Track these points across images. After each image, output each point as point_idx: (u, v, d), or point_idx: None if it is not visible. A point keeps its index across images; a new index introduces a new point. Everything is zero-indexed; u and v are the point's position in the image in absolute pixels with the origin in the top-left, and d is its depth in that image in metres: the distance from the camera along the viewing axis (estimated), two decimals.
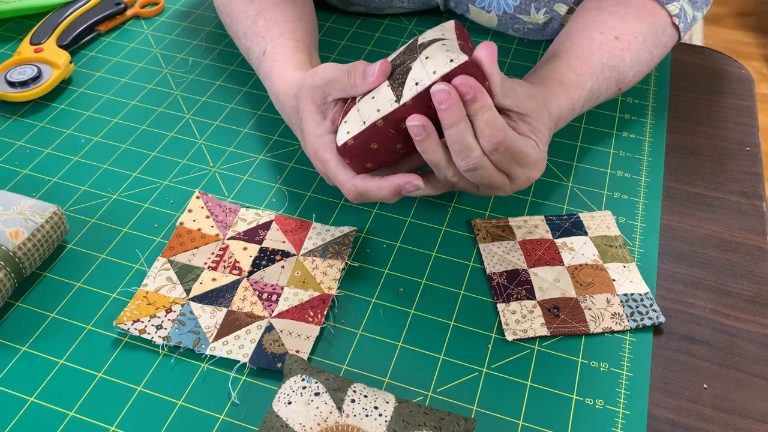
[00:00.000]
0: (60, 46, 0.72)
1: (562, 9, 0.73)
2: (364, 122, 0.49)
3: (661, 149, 0.66)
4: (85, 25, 0.75)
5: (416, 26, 0.80)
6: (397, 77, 0.49)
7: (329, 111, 0.53)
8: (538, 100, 0.53)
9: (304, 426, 0.41)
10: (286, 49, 0.61)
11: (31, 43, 0.72)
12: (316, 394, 0.43)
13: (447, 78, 0.46)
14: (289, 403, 0.42)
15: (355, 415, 0.42)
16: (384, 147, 0.49)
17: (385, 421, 0.42)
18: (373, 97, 0.49)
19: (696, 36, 2.58)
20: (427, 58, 0.48)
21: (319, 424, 0.41)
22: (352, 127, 0.49)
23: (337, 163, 0.52)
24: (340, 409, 0.42)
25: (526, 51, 0.77)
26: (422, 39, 0.51)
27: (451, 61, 0.47)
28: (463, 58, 0.47)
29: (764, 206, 0.61)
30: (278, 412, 0.42)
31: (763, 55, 2.55)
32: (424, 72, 0.47)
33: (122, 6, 0.79)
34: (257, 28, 0.63)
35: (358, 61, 0.52)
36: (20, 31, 0.78)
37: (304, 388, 0.43)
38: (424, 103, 0.47)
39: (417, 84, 0.47)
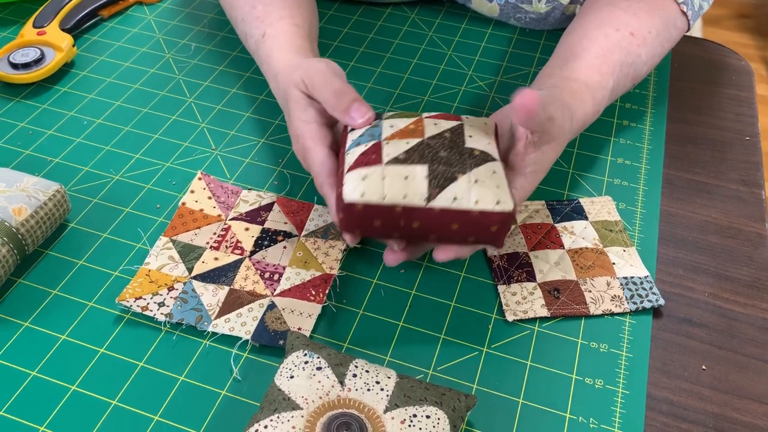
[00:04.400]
0: (63, 30, 0.72)
1: None
2: (384, 197, 0.44)
3: (661, 138, 0.66)
4: (87, 10, 0.75)
5: (418, 15, 0.80)
6: (438, 174, 0.45)
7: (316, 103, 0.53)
8: (566, 115, 0.52)
9: (306, 399, 0.41)
10: (286, 34, 0.61)
11: (34, 26, 0.72)
12: (318, 368, 0.43)
13: (485, 216, 0.45)
14: (292, 377, 0.42)
15: (356, 390, 0.42)
16: (384, 227, 0.46)
17: (387, 396, 0.42)
18: (405, 177, 0.45)
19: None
20: (476, 181, 0.45)
21: (321, 397, 0.41)
22: (369, 190, 0.45)
23: (323, 164, 0.50)
24: (342, 383, 0.42)
25: (527, 41, 0.77)
26: (469, 132, 0.48)
27: (498, 203, 0.45)
28: (509, 206, 0.45)
29: (763, 194, 0.61)
30: (280, 386, 0.42)
31: (762, 57, 2.56)
32: (467, 194, 0.45)
33: None
34: (256, 12, 0.63)
35: (349, 90, 0.50)
36: (22, 15, 0.78)
37: (306, 362, 0.43)
38: (449, 218, 0.45)
39: (455, 199, 0.44)
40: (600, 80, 0.58)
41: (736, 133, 0.68)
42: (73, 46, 0.71)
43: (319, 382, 0.42)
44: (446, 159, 0.46)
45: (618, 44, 0.60)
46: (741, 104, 0.71)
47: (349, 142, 0.49)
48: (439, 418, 0.41)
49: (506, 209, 0.44)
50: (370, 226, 0.46)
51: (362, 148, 0.47)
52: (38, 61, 0.68)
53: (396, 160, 0.46)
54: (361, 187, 0.45)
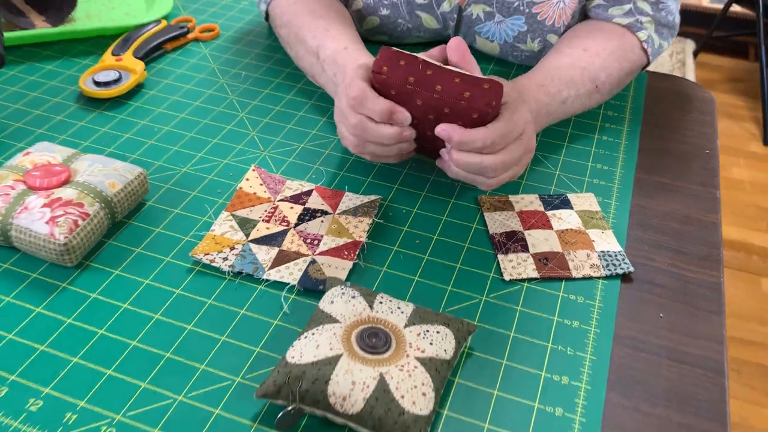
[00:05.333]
0: (135, 58, 0.87)
1: (553, 39, 0.87)
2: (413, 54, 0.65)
3: (634, 149, 0.79)
4: (154, 43, 0.90)
5: None
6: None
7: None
8: (507, 83, 0.68)
9: (343, 316, 0.53)
10: (360, 49, 0.79)
11: (113, 54, 0.87)
12: (353, 296, 0.55)
13: (492, 85, 0.62)
14: (332, 302, 0.54)
15: (382, 312, 0.54)
16: (407, 75, 0.63)
17: (406, 317, 0.54)
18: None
19: None
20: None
21: (354, 316, 0.53)
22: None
23: (356, 75, 0.65)
24: (371, 307, 0.54)
25: None
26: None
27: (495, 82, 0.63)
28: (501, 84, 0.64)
29: (717, 193, 0.74)
30: (323, 309, 0.54)
31: (754, 117, 2.71)
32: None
33: (185, 30, 0.94)
34: (330, 33, 0.80)
35: (393, 108, 0.64)
36: (102, 46, 0.93)
37: (343, 293, 0.55)
38: (462, 86, 0.62)
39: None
40: (544, 77, 0.76)
41: (698, 147, 0.81)
42: (144, 70, 0.85)
43: (354, 306, 0.54)
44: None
45: (569, 55, 0.78)
46: (703, 126, 0.84)
47: None
48: (446, 334, 0.53)
49: (498, 82, 0.63)
50: (397, 66, 0.63)
51: None
52: (116, 81, 0.82)
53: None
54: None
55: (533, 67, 0.80)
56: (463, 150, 0.63)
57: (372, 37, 0.96)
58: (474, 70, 0.66)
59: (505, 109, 0.64)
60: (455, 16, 0.89)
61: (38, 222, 0.59)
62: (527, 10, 0.85)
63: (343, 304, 0.54)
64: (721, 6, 2.92)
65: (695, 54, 2.97)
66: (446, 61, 0.67)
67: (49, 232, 0.58)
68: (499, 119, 0.63)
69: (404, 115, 0.64)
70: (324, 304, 0.55)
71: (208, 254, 0.62)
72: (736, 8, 2.84)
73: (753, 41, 2.97)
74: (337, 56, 0.78)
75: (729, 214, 2.22)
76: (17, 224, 0.59)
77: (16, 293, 0.58)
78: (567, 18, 0.86)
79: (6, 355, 0.53)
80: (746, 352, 1.77)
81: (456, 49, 0.66)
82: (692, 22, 3.03)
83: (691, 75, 2.87)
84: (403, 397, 0.48)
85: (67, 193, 0.61)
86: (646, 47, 0.82)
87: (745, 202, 2.29)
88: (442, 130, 0.63)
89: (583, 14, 0.89)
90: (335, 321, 0.53)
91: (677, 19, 0.85)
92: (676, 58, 2.93)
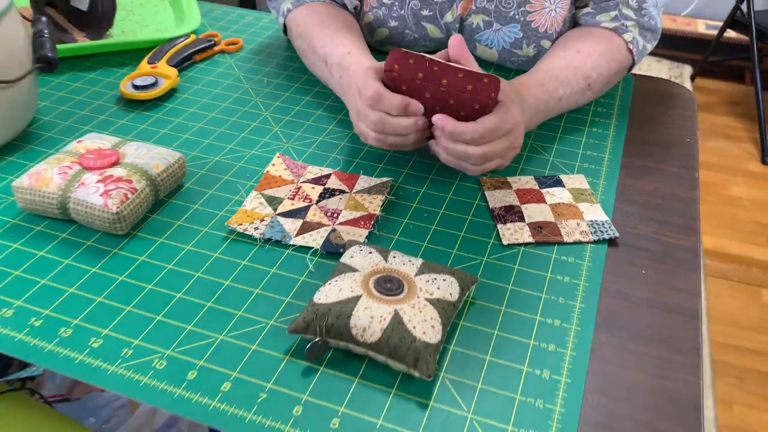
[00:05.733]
0: (169, 65, 0.96)
1: (546, 44, 0.96)
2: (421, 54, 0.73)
3: (621, 139, 0.87)
4: (185, 54, 1.00)
5: None
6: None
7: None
8: (505, 82, 0.76)
9: (362, 266, 0.61)
10: (364, 54, 0.87)
11: (148, 63, 0.96)
12: (370, 252, 0.63)
13: (492, 80, 0.71)
14: (352, 257, 0.62)
15: (395, 264, 0.62)
16: (417, 70, 0.71)
17: (416, 268, 0.61)
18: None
19: None
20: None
21: (372, 267, 0.61)
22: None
23: (368, 77, 0.73)
24: (386, 260, 0.62)
25: None
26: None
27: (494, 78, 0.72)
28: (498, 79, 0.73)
29: (696, 174, 0.82)
30: (344, 261, 0.62)
31: (751, 138, 2.79)
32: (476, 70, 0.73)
33: (212, 43, 1.04)
34: (336, 41, 0.89)
35: (408, 101, 0.72)
36: (138, 57, 1.02)
37: (361, 249, 0.63)
38: (465, 79, 0.70)
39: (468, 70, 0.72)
40: (542, 75, 0.84)
41: (679, 137, 0.89)
42: (177, 76, 0.94)
43: (371, 259, 0.62)
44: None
45: (563, 57, 0.85)
46: (684, 119, 0.93)
47: None
48: (452, 282, 0.60)
49: (497, 77, 0.71)
50: (407, 64, 0.71)
51: None
52: (153, 85, 0.92)
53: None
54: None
55: (532, 68, 0.89)
56: (452, 140, 0.72)
57: (382, 47, 1.05)
58: (471, 64, 0.75)
59: (498, 107, 0.73)
60: (457, 25, 0.98)
61: (93, 195, 0.67)
62: (522, 19, 0.94)
63: (361, 257, 0.62)
64: (716, 33, 3.03)
65: (692, 78, 3.07)
66: (449, 62, 0.76)
67: (103, 203, 0.67)
68: (490, 116, 0.72)
69: (417, 106, 0.72)
70: (345, 258, 0.63)
71: (241, 224, 0.70)
72: (731, 34, 2.94)
73: (748, 65, 3.06)
74: (341, 61, 0.87)
75: (729, 229, 2.29)
76: (75, 197, 0.68)
77: (74, 257, 0.67)
78: (558, 25, 0.95)
79: (69, 304, 0.61)
80: (748, 361, 1.82)
81: (455, 45, 0.75)
82: (689, 47, 3.14)
83: None
84: (414, 328, 0.55)
85: (117, 171, 0.70)
86: (631, 47, 0.90)
87: (745, 218, 2.36)
88: (438, 119, 0.71)
89: (573, 21, 0.98)
90: (355, 270, 0.60)
91: (659, 23, 0.94)
92: (693, 95, 3.03)
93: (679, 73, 3.11)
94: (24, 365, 1.17)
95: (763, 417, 1.67)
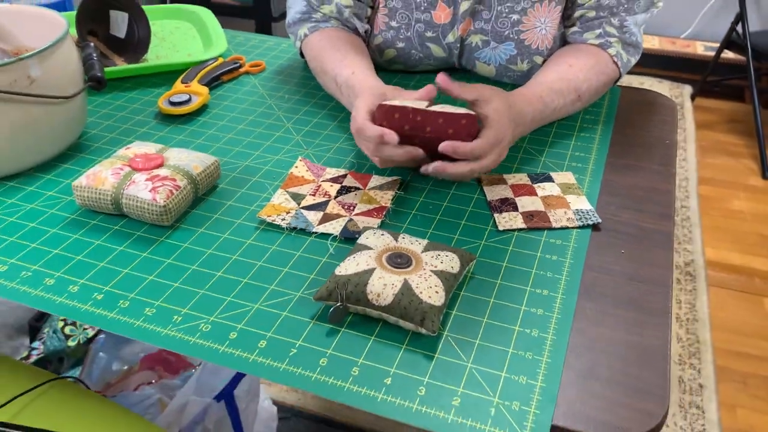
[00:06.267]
0: (200, 85, 1.08)
1: (538, 60, 1.07)
2: (404, 105, 0.82)
3: (606, 142, 0.97)
4: (214, 75, 1.11)
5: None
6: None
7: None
8: (496, 90, 0.86)
9: (376, 245, 0.71)
10: (368, 74, 0.97)
11: (182, 82, 1.08)
12: (382, 234, 0.73)
13: (467, 117, 0.81)
14: (367, 238, 0.72)
15: (404, 244, 0.72)
16: (401, 121, 0.81)
17: (422, 246, 0.71)
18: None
19: (690, 137, 2.93)
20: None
21: (384, 245, 0.71)
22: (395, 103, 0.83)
23: (363, 110, 0.84)
24: (396, 240, 0.72)
25: None
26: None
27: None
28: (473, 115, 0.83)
29: (673, 170, 0.91)
30: (361, 242, 0.72)
31: (752, 154, 2.87)
32: (453, 109, 0.82)
33: (238, 65, 1.15)
34: (345, 62, 1.00)
35: (383, 132, 0.80)
36: (168, 80, 1.14)
37: (374, 233, 0.73)
38: (443, 121, 0.81)
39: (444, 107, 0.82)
40: (536, 86, 0.94)
41: (660, 139, 0.99)
42: (208, 93, 1.06)
43: (383, 239, 0.72)
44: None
45: (557, 71, 0.95)
46: (665, 124, 1.03)
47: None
48: (453, 257, 0.70)
49: (472, 114, 0.81)
50: (393, 119, 0.80)
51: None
52: (187, 101, 1.03)
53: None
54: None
55: (529, 81, 0.99)
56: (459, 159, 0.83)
57: (390, 66, 1.16)
58: (459, 90, 0.85)
59: (488, 125, 0.83)
60: (458, 45, 1.09)
61: (143, 191, 0.78)
62: (516, 37, 1.05)
63: (375, 238, 0.72)
64: (714, 54, 3.13)
65: (693, 98, 3.17)
66: (432, 101, 0.86)
67: (152, 198, 0.77)
68: (485, 135, 0.82)
69: (391, 136, 0.81)
70: (361, 239, 0.73)
71: (270, 216, 0.80)
72: (729, 54, 3.05)
73: (747, 84, 3.16)
74: (348, 80, 0.97)
75: (731, 242, 2.36)
76: (127, 193, 0.78)
77: (127, 244, 0.77)
78: (549, 42, 1.05)
79: (125, 282, 0.72)
80: (751, 366, 1.89)
81: (442, 81, 0.85)
82: (689, 68, 3.25)
83: (689, 117, 3.06)
84: (421, 293, 0.65)
85: (162, 171, 0.81)
86: (616, 60, 1.01)
87: (747, 230, 2.44)
88: (444, 148, 0.81)
89: (563, 40, 1.09)
90: (370, 249, 0.70)
91: (640, 39, 1.05)
92: (675, 102, 3.13)
93: (680, 93, 3.21)
94: (75, 363, 1.27)
95: (765, 419, 1.74)
